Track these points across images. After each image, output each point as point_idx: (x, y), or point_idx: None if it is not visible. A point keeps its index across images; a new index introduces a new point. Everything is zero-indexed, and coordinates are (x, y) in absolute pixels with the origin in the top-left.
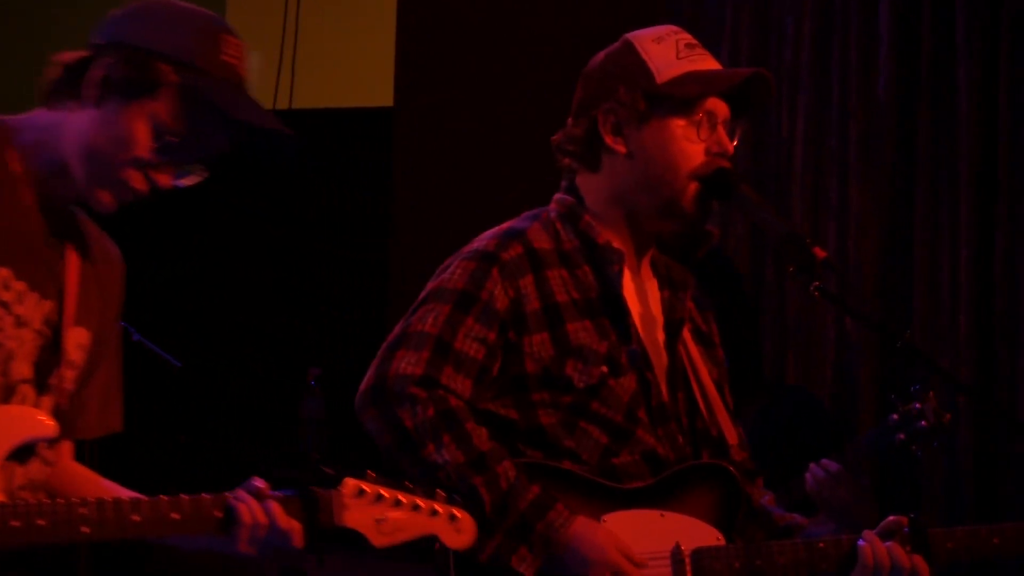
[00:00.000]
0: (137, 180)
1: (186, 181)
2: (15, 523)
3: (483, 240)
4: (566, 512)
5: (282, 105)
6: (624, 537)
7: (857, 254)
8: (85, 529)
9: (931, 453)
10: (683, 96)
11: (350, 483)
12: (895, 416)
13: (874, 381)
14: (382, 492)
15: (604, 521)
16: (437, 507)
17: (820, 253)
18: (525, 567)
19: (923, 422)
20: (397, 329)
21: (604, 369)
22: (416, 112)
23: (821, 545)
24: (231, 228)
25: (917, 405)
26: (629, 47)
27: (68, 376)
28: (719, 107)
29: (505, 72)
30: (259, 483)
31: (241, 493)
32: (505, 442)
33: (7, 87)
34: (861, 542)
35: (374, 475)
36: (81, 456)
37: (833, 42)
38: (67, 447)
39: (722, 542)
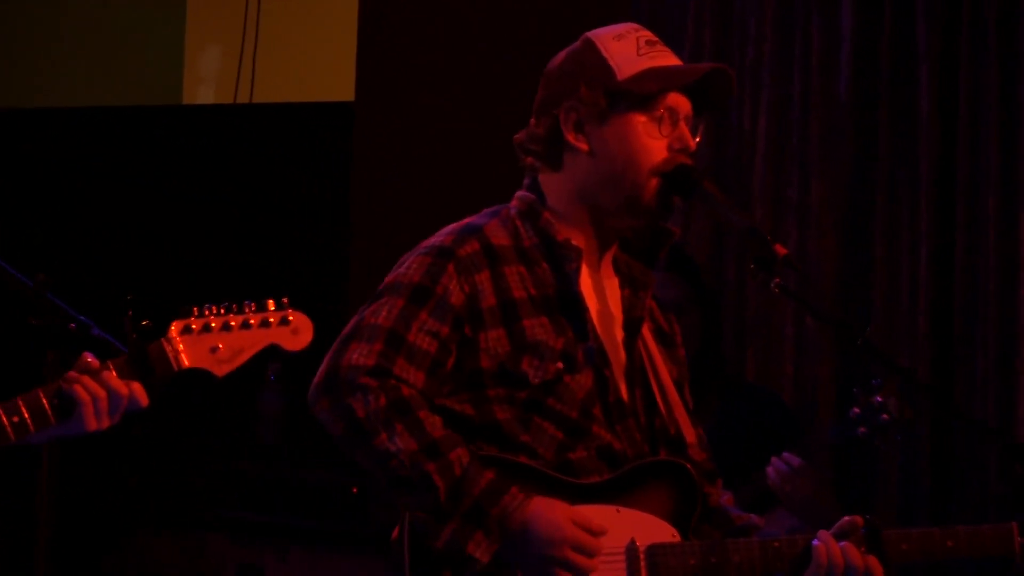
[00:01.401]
0: None
1: None
2: None
3: (440, 236)
4: (520, 495)
5: (243, 99)
6: None
7: (817, 251)
8: None
9: (893, 447)
10: (644, 92)
11: (175, 324)
12: (856, 410)
13: (833, 379)
14: (211, 322)
15: None
16: (269, 317)
17: (781, 250)
18: (481, 552)
19: (884, 416)
20: (352, 323)
21: (560, 365)
22: (377, 107)
23: (776, 544)
24: (191, 222)
25: (879, 399)
26: (590, 45)
27: None
28: (681, 103)
29: (467, 68)
30: (89, 357)
31: (71, 375)
32: (462, 439)
33: None
34: (816, 542)
35: (196, 309)
36: (38, 454)
37: (794, 40)
38: None
39: (677, 539)
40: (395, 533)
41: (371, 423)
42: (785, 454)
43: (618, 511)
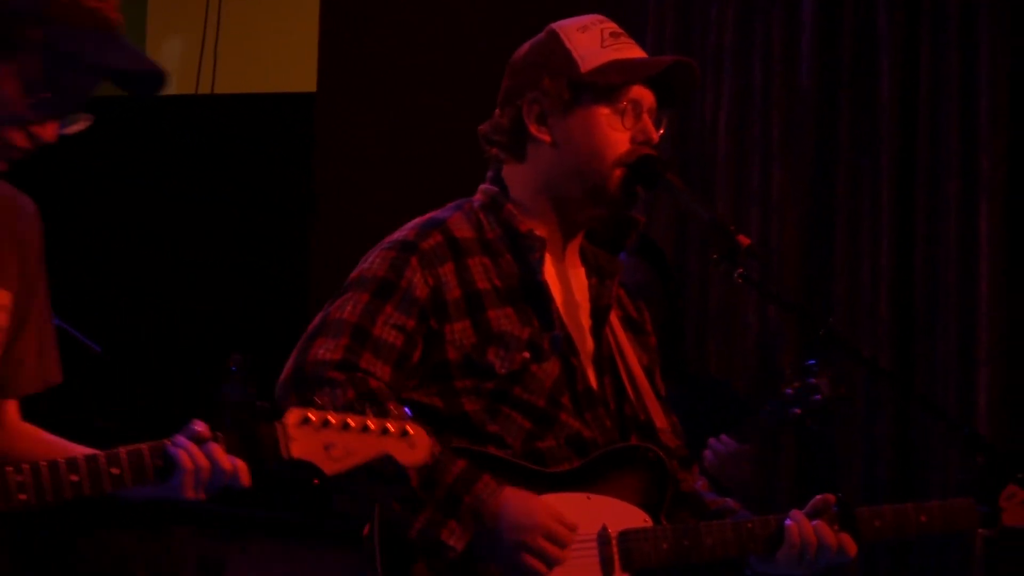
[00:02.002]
0: (19, 138)
1: (72, 129)
2: None
3: (403, 230)
4: (493, 483)
5: (204, 89)
6: None
7: (779, 241)
8: (22, 496)
9: (826, 427)
10: (607, 84)
11: (294, 412)
12: (789, 391)
13: (796, 368)
14: (329, 417)
15: None
16: (389, 425)
17: (744, 240)
18: (455, 540)
19: (817, 396)
20: (317, 319)
21: (526, 355)
22: (339, 98)
23: (749, 525)
24: (151, 213)
25: (812, 380)
26: (554, 36)
27: None
28: (644, 95)
29: (428, 60)
30: (199, 426)
31: (179, 439)
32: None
33: None
34: (788, 522)
35: (320, 401)
36: None
37: (756, 29)
38: (11, 408)
39: (649, 524)
40: (366, 529)
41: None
42: (723, 436)
43: (588, 498)
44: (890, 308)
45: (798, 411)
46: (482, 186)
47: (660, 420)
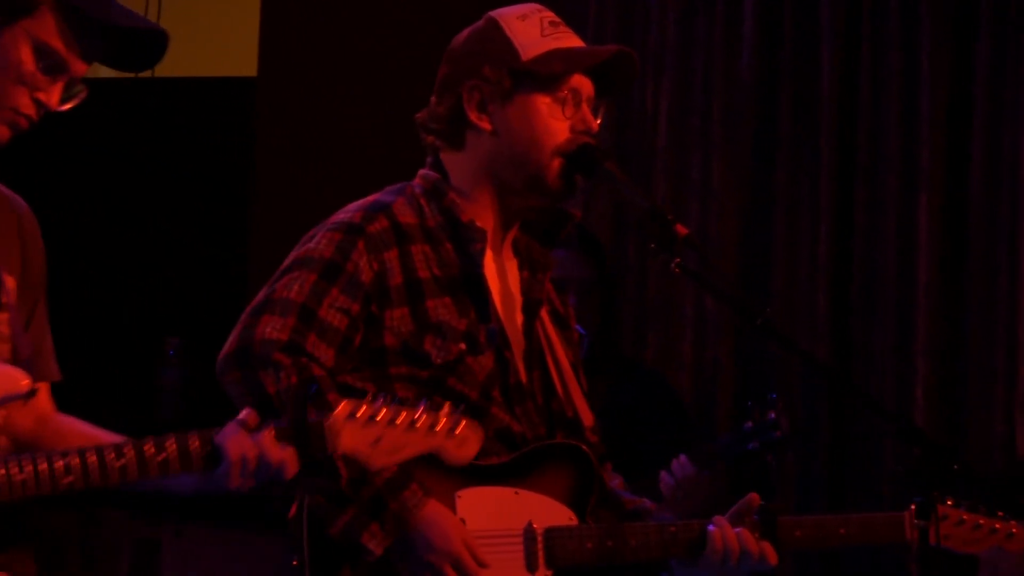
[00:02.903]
0: (25, 104)
1: (69, 104)
2: None
3: (349, 212)
4: (420, 492)
5: (145, 73)
6: (477, 513)
7: (718, 232)
8: (68, 479)
9: (783, 463)
10: (548, 73)
11: (343, 406)
12: (750, 424)
13: (733, 359)
14: (376, 414)
15: (459, 497)
16: (437, 423)
17: (682, 230)
18: (375, 544)
19: (777, 432)
20: (261, 295)
21: (462, 346)
22: (279, 83)
23: (672, 529)
24: (89, 196)
25: (772, 415)
26: (494, 24)
27: (3, 319)
28: (584, 85)
29: (370, 46)
30: (248, 417)
31: (228, 428)
32: None
33: None
34: (711, 527)
35: (370, 396)
36: None
37: (697, 21)
38: (43, 395)
39: (575, 522)
40: (292, 511)
41: (280, 401)
42: (682, 458)
43: (516, 493)
44: (828, 300)
45: (756, 445)
46: (422, 172)
47: (587, 417)
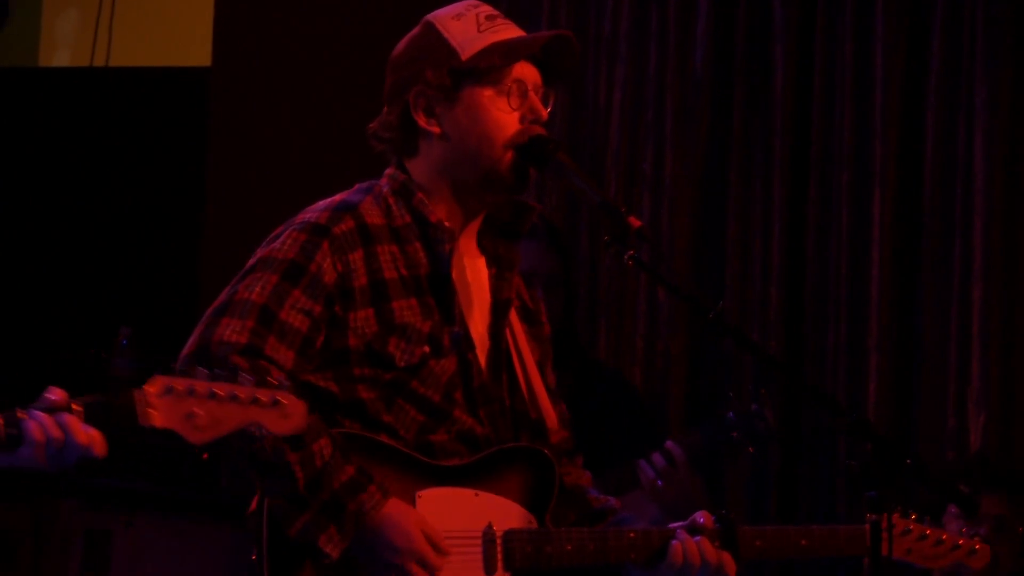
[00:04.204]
0: None
1: None
2: None
3: (315, 212)
4: (378, 495)
5: (99, 62)
6: (437, 514)
7: (671, 226)
8: None
9: (764, 454)
10: (489, 67)
11: (158, 380)
12: (731, 414)
13: (685, 354)
14: (195, 386)
15: (419, 497)
16: (259, 394)
17: (634, 223)
18: (332, 547)
19: (761, 424)
20: (223, 295)
21: (426, 349)
22: (233, 73)
23: (632, 535)
24: (43, 185)
25: (754, 406)
26: (430, 28)
27: None
28: (528, 74)
29: (325, 36)
30: (54, 395)
31: (33, 410)
32: (324, 414)
33: None
34: (674, 541)
35: (192, 369)
36: None
37: (651, 14)
38: None
39: (535, 525)
40: (252, 506)
41: None
42: (669, 444)
43: (476, 495)
44: (780, 294)
45: (736, 435)
46: (388, 171)
47: (550, 418)
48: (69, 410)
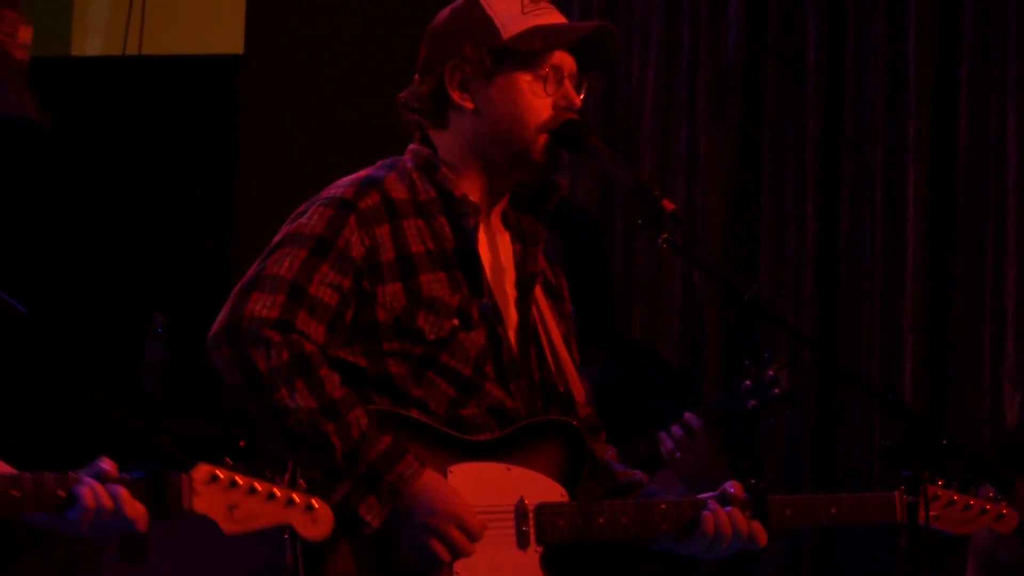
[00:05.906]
0: None
1: None
2: None
3: (340, 187)
4: (416, 464)
5: (131, 51)
6: (469, 488)
7: (704, 207)
8: None
9: (781, 420)
10: (528, 51)
11: (203, 468)
12: (748, 382)
13: (720, 334)
14: (237, 479)
15: (451, 472)
16: (295, 496)
17: (668, 205)
18: (372, 516)
19: (776, 390)
20: (252, 271)
21: (455, 322)
22: (265, 60)
23: (663, 507)
24: (76, 174)
25: (770, 372)
26: (474, 3)
27: None
28: (565, 61)
29: (357, 23)
30: (106, 465)
31: (87, 476)
32: (354, 389)
33: None
34: (705, 512)
35: (231, 461)
36: None
37: None
38: None
39: (566, 499)
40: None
41: (271, 378)
42: (687, 415)
43: (508, 469)
44: (815, 274)
45: (754, 402)
46: (412, 147)
47: (579, 393)
48: (119, 481)
